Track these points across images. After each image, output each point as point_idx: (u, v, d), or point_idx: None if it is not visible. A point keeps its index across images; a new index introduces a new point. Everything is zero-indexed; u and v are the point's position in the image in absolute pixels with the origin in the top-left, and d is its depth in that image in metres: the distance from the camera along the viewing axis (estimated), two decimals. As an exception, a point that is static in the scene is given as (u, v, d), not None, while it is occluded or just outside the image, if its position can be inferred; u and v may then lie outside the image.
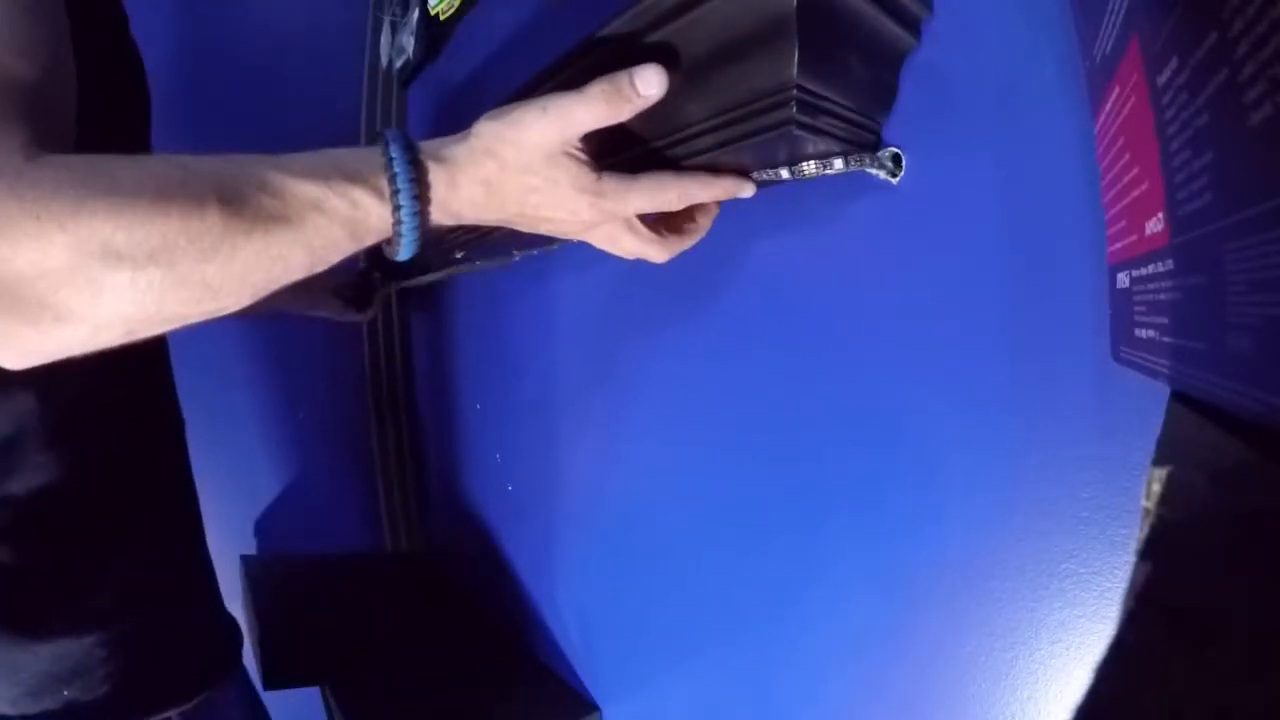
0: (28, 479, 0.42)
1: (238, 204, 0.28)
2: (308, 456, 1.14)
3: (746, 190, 0.40)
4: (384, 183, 0.32)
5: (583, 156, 0.35)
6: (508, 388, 0.85)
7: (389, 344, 1.16)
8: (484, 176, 0.34)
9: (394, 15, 0.99)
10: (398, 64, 0.99)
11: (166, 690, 0.47)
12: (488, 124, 0.34)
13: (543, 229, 0.38)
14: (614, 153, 0.42)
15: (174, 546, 0.52)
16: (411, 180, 0.33)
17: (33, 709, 0.42)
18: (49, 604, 0.43)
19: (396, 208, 0.33)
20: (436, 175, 0.34)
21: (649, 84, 0.33)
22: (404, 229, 0.33)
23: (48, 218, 0.25)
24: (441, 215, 0.35)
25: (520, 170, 0.34)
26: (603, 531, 0.68)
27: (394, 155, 0.33)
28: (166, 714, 0.46)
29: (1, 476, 0.41)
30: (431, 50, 0.90)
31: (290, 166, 0.31)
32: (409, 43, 0.95)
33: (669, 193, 0.37)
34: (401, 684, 0.82)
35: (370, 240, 0.34)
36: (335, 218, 0.31)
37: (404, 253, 0.35)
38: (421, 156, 0.34)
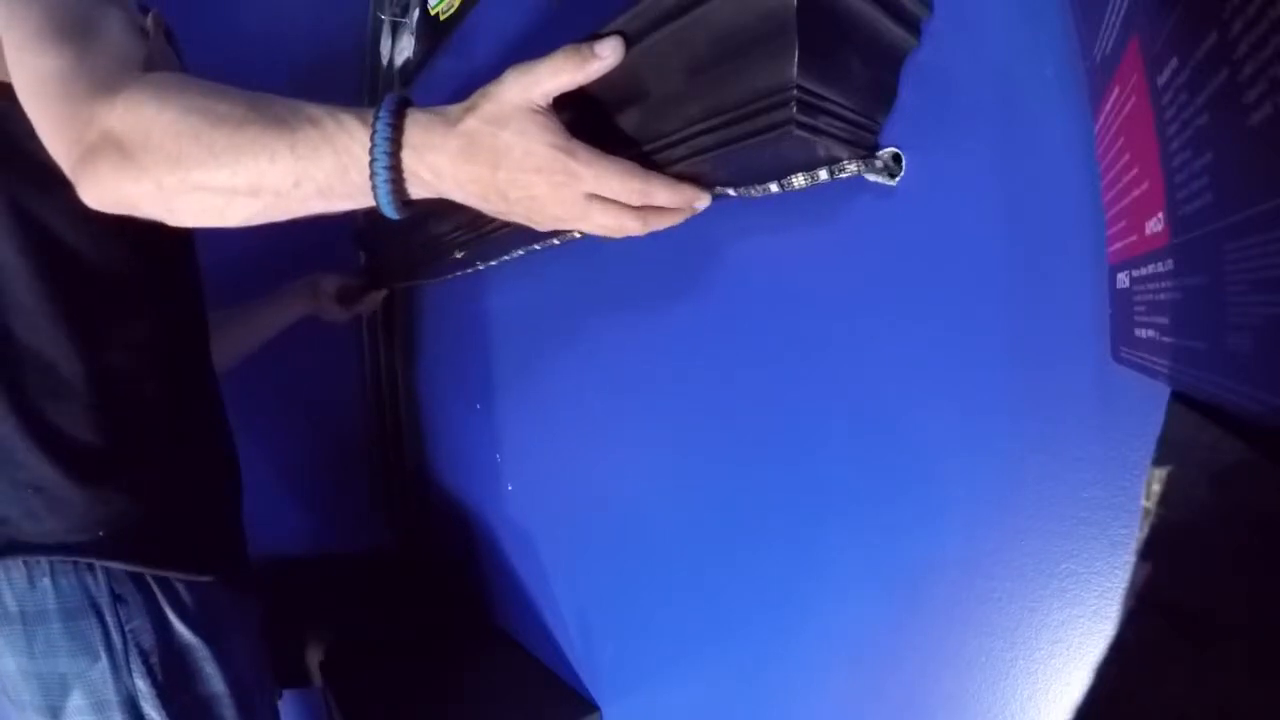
0: (126, 359, 0.55)
1: (258, 104, 0.39)
2: (308, 457, 1.15)
3: (703, 202, 0.42)
4: (370, 115, 0.38)
5: (553, 115, 0.37)
6: (508, 388, 0.85)
7: (388, 345, 1.16)
8: (466, 130, 0.37)
9: (394, 15, 0.99)
10: (398, 64, 0.99)
11: (178, 556, 0.55)
12: (481, 88, 0.38)
13: (515, 196, 0.39)
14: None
15: (209, 457, 0.63)
16: (391, 112, 0.38)
17: (73, 540, 0.51)
18: (108, 460, 0.53)
19: (373, 133, 0.37)
20: (417, 118, 0.38)
21: (605, 48, 0.36)
22: (377, 153, 0.37)
23: (150, 98, 0.39)
24: (420, 165, 0.38)
25: (495, 123, 0.37)
26: (603, 532, 0.68)
27: (386, 97, 0.39)
28: (171, 574, 0.55)
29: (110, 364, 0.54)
30: (431, 50, 0.90)
31: (309, 100, 0.39)
32: (409, 43, 0.95)
33: (634, 181, 0.38)
34: (401, 684, 0.82)
35: (353, 173, 0.38)
36: (324, 132, 0.38)
37: (382, 196, 0.39)
38: (410, 107, 0.39)
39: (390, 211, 0.40)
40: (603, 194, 0.38)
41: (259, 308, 0.89)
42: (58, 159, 0.41)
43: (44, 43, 0.42)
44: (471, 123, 0.37)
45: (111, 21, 0.45)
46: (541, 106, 0.37)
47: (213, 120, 0.38)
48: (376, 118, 0.38)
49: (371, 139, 0.37)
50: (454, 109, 0.38)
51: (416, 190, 0.40)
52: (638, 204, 0.39)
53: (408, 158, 0.38)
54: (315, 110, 0.39)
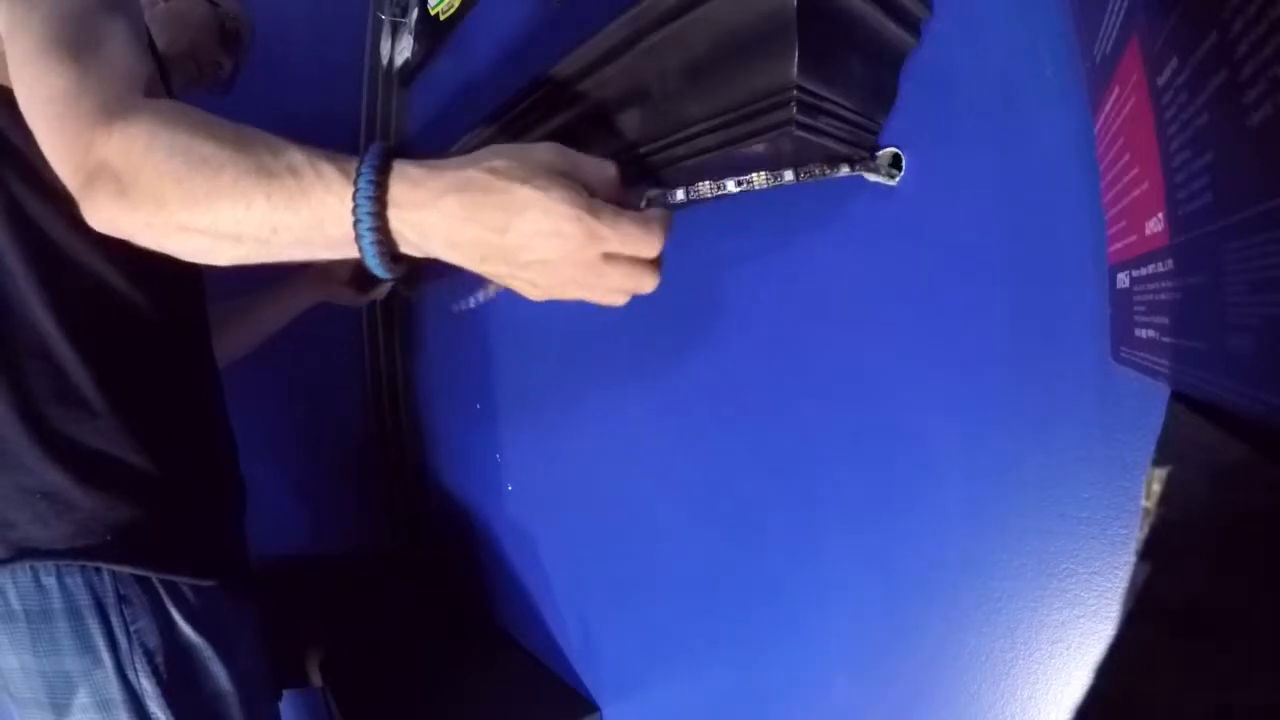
0: (134, 372, 0.56)
1: (244, 146, 0.37)
2: (307, 456, 1.15)
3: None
4: (352, 167, 0.35)
5: (577, 184, 0.35)
6: (508, 388, 0.85)
7: (389, 345, 1.16)
8: (463, 177, 0.35)
9: (394, 15, 0.99)
10: (398, 64, 0.99)
11: (185, 560, 0.55)
12: (490, 147, 0.36)
13: (525, 260, 0.35)
14: (617, 154, 0.42)
15: (214, 459, 0.63)
16: (374, 168, 0.35)
17: (80, 544, 0.51)
18: (115, 465, 0.53)
19: (356, 190, 0.35)
20: (405, 173, 0.35)
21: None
22: (360, 213, 0.35)
23: (143, 133, 0.37)
24: (403, 224, 0.35)
25: (513, 179, 0.34)
26: (603, 532, 0.68)
27: (371, 149, 0.36)
28: (177, 578, 0.55)
29: (118, 373, 0.54)
30: (431, 50, 0.90)
31: (299, 144, 0.37)
32: (409, 43, 0.95)
33: (655, 231, 0.35)
34: (401, 684, 0.82)
35: (329, 225, 0.36)
36: (303, 183, 0.36)
37: (366, 250, 0.36)
38: (395, 158, 0.36)
39: (381, 272, 0.37)
40: (625, 252, 0.35)
41: (272, 296, 0.89)
42: (62, 178, 0.41)
43: (47, 59, 0.41)
44: (475, 173, 0.34)
45: (117, 35, 0.44)
46: (570, 176, 0.35)
47: (194, 163, 0.36)
48: (359, 173, 0.35)
49: (354, 196, 0.35)
50: (453, 162, 0.36)
51: (403, 249, 0.37)
52: (655, 255, 0.36)
53: (392, 216, 0.35)
54: (298, 157, 0.36)
